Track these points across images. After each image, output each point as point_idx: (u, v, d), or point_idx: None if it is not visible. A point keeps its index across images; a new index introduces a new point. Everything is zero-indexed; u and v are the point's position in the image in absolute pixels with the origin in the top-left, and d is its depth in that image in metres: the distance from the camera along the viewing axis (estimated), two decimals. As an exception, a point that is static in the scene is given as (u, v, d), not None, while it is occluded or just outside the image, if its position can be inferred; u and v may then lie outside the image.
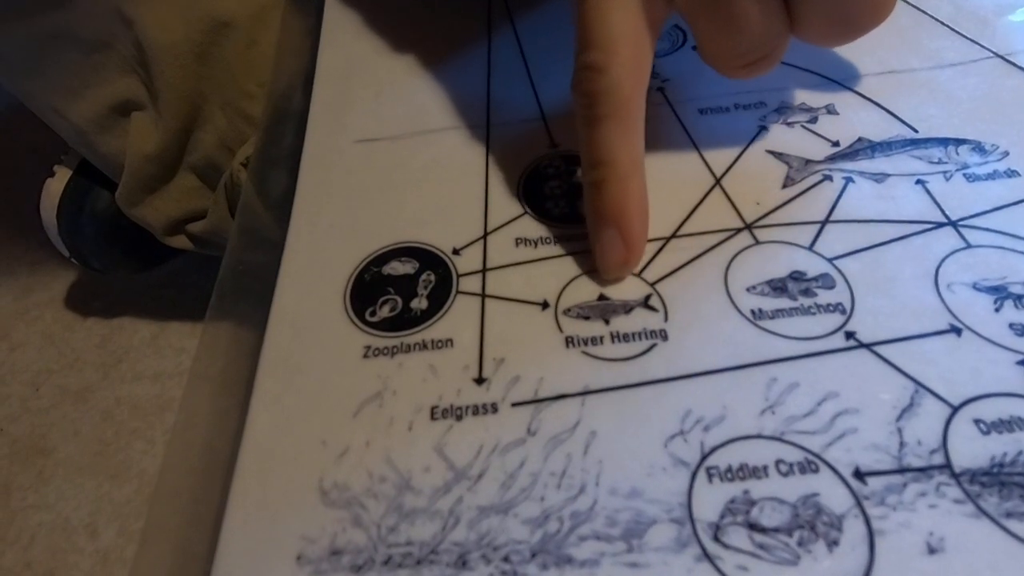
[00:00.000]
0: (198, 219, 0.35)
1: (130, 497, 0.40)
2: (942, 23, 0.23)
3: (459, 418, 0.15)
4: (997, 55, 0.22)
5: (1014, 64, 0.22)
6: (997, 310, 0.16)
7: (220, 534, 0.14)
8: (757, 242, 0.18)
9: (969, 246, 0.18)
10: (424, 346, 0.17)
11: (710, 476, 0.14)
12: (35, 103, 0.32)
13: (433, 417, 0.15)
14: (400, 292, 0.18)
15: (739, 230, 0.18)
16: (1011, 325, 0.16)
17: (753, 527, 0.13)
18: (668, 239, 0.18)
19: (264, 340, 0.17)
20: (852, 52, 0.23)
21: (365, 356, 0.17)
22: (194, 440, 0.18)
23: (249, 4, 0.31)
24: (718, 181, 0.20)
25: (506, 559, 0.13)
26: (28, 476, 0.42)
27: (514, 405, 0.15)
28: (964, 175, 0.19)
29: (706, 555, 0.13)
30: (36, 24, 0.29)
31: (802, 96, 0.22)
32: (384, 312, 0.18)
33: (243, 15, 0.31)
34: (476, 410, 0.15)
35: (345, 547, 0.13)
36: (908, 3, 0.24)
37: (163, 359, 0.47)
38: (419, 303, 0.18)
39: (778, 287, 0.17)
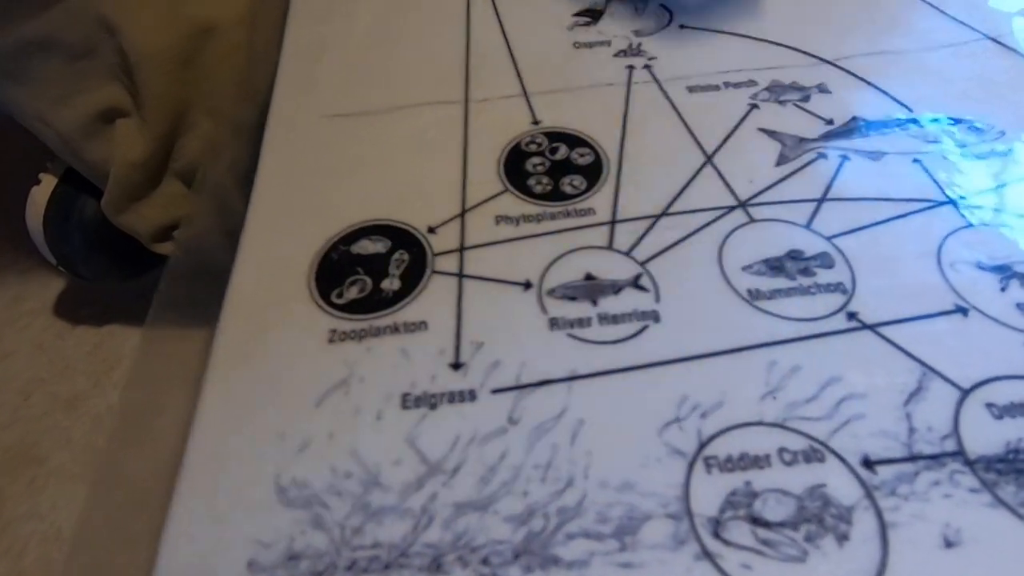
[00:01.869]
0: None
1: (124, 506, 0.38)
2: (931, 5, 0.23)
3: (433, 406, 0.14)
4: (987, 37, 0.22)
5: (1004, 45, 0.21)
6: (1003, 289, 0.15)
7: (162, 538, 0.12)
8: (752, 220, 0.17)
9: (971, 225, 0.17)
10: (395, 329, 0.15)
11: (708, 466, 0.13)
12: (20, 111, 0.32)
13: (405, 405, 0.14)
14: (370, 272, 0.16)
15: (733, 208, 0.17)
16: (1019, 305, 0.15)
17: (756, 521, 0.12)
18: (659, 217, 0.17)
19: (218, 325, 0.16)
20: (842, 32, 0.22)
21: (330, 340, 0.15)
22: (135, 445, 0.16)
23: (231, 9, 0.30)
24: (709, 159, 0.19)
25: (485, 561, 0.12)
26: (20, 485, 0.40)
27: (494, 392, 0.14)
28: (962, 154, 0.19)
29: (706, 553, 0.11)
30: (20, 32, 0.29)
31: (793, 75, 0.21)
32: (352, 293, 0.16)
33: (226, 20, 0.30)
34: (452, 397, 0.14)
35: (304, 551, 0.12)
36: (898, -16, 0.24)
37: (156, 366, 0.45)
38: (391, 283, 0.16)
39: (775, 266, 0.16)
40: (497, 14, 0.24)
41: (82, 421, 0.43)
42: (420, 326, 0.15)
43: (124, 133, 0.31)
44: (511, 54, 0.23)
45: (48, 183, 0.40)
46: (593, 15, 0.24)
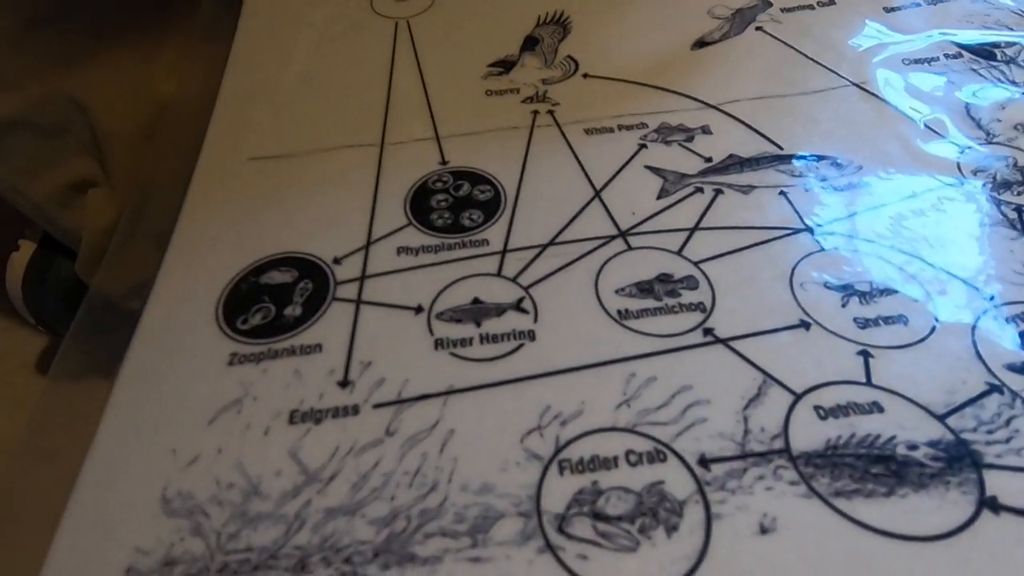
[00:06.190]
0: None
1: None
2: (806, 56, 0.26)
3: (318, 421, 0.15)
4: (852, 83, 0.24)
5: (866, 90, 0.24)
6: (844, 306, 0.17)
7: (49, 550, 0.13)
8: (629, 248, 0.19)
9: (823, 249, 0.19)
10: (292, 352, 0.16)
11: (561, 469, 0.14)
12: None
13: (292, 421, 0.15)
14: (275, 300, 0.18)
15: (613, 237, 0.19)
16: (855, 319, 0.17)
17: (598, 516, 0.13)
18: (545, 246, 0.19)
19: (127, 351, 0.17)
20: (727, 81, 0.25)
21: (230, 363, 0.16)
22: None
23: (188, 87, 0.33)
24: (597, 193, 0.21)
25: (347, 560, 0.13)
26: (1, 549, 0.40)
27: (376, 407, 0.15)
28: (823, 187, 0.21)
29: (548, 546, 0.13)
30: None
31: (681, 118, 0.23)
32: (256, 320, 0.17)
33: (183, 95, 0.33)
34: (336, 412, 0.15)
35: (180, 557, 0.13)
36: (778, 39, 0.26)
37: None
38: (293, 310, 0.17)
39: (645, 288, 0.18)
40: (418, 64, 0.26)
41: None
42: (315, 348, 0.17)
43: (95, 202, 0.34)
44: (427, 101, 0.25)
45: (26, 249, 0.42)
46: (505, 66, 0.26)
